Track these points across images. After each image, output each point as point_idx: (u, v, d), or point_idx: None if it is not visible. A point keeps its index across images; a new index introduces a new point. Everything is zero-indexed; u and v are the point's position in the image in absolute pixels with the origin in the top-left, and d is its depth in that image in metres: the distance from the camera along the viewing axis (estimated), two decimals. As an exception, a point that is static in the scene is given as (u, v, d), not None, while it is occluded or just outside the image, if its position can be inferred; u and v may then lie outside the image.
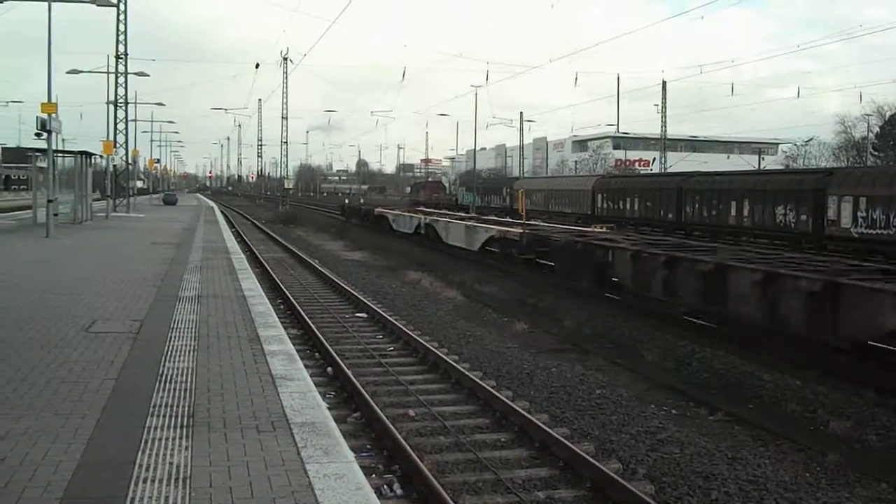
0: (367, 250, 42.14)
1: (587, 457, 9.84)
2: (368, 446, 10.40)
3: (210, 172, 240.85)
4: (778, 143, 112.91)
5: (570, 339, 19.14)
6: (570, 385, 14.20)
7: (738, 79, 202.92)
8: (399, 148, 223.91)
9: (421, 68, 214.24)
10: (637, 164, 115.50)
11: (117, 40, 52.03)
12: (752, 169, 68.84)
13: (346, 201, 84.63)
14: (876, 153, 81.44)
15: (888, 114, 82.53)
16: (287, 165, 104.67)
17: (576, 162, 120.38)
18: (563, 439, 10.48)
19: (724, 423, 12.78)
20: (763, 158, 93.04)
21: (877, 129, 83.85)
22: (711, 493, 9.42)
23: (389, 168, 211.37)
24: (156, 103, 68.80)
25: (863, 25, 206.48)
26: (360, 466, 6.67)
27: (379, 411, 11.29)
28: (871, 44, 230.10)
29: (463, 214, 52.73)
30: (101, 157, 51.18)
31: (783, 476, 10.09)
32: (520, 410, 11.72)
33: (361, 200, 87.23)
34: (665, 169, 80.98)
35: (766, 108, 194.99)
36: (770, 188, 36.35)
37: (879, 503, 9.60)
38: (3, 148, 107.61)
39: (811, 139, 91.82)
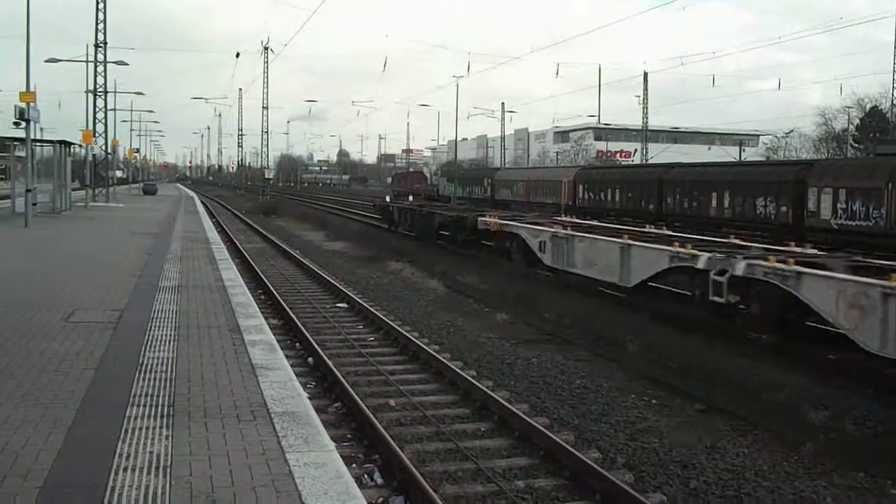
0: (348, 240, 42.04)
1: (567, 446, 9.89)
2: (349, 436, 10.41)
3: (190, 162, 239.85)
4: (759, 135, 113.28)
5: (551, 330, 19.16)
6: (550, 375, 14.25)
7: (719, 70, 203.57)
8: (380, 138, 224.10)
9: (402, 58, 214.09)
10: (618, 155, 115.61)
11: (96, 29, 51.85)
12: (733, 160, 69.02)
13: (388, 198, 57.95)
14: (856, 145, 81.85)
15: (868, 106, 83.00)
16: (268, 155, 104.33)
17: (557, 153, 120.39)
18: (543, 429, 10.53)
19: (703, 413, 12.84)
20: (744, 150, 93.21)
21: (857, 122, 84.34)
22: (690, 481, 9.49)
23: (371, 158, 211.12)
24: (135, 92, 68.56)
25: (843, 17, 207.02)
26: (341, 456, 6.70)
27: (359, 401, 11.30)
28: (852, 36, 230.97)
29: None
30: (80, 146, 50.92)
31: (761, 465, 10.17)
32: (500, 400, 11.76)
33: (411, 198, 56.57)
34: (646, 160, 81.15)
35: (747, 100, 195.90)
36: (751, 179, 36.45)
37: (856, 491, 9.67)
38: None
39: (792, 131, 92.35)
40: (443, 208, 43.40)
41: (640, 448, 10.54)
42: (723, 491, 9.28)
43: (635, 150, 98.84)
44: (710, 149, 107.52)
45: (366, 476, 9.00)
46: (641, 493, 8.74)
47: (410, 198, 57.23)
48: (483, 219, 31.52)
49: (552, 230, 25.30)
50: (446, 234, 37.00)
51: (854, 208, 29.59)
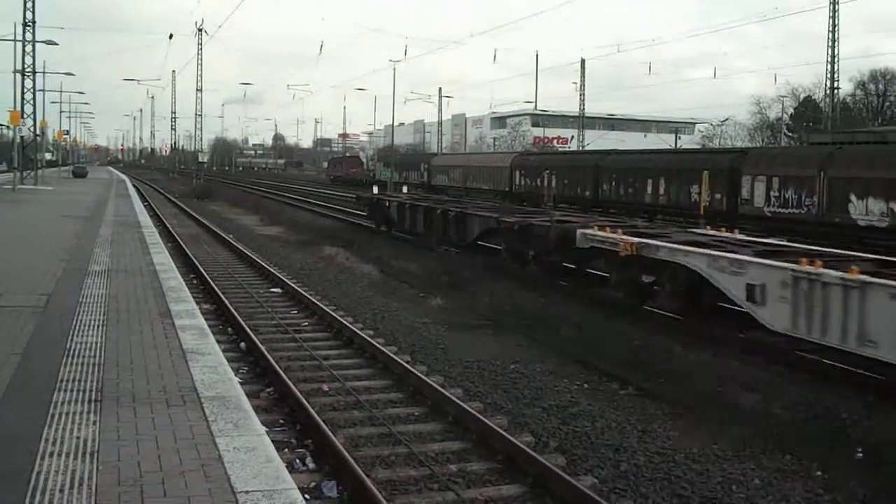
0: (283, 225, 41.72)
1: (500, 430, 9.92)
2: (281, 421, 10.35)
3: (122, 145, 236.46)
4: (694, 123, 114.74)
5: (486, 315, 19.19)
6: (484, 360, 14.28)
7: (656, 58, 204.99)
8: (316, 122, 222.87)
9: (339, 42, 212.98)
10: (555, 141, 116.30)
11: (24, 7, 50.66)
12: (669, 148, 69.80)
13: (376, 189, 44.76)
14: (790, 134, 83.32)
15: (802, 95, 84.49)
16: (202, 139, 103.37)
17: (494, 139, 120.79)
18: (476, 413, 10.56)
19: (634, 398, 12.95)
20: (680, 137, 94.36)
21: (791, 111, 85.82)
22: (621, 464, 9.58)
23: (306, 143, 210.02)
24: (65, 73, 67.25)
25: (778, 8, 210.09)
26: (273, 441, 6.66)
27: (292, 386, 11.24)
28: (787, 26, 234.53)
29: None
30: (7, 127, 49.96)
31: (691, 448, 10.29)
32: (434, 385, 11.77)
33: (405, 189, 47.49)
34: (583, 147, 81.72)
35: (683, 88, 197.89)
36: (686, 167, 36.91)
37: (784, 473, 9.84)
38: None
39: (727, 119, 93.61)
40: (485, 209, 29.44)
41: (572, 432, 10.63)
42: (653, 473, 9.38)
43: (572, 136, 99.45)
44: (646, 136, 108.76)
45: (297, 461, 8.96)
46: (573, 476, 8.80)
47: (405, 189, 47.84)
48: (589, 231, 19.49)
49: (791, 266, 13.16)
50: (499, 246, 25.29)
51: (787, 196, 30.15)
